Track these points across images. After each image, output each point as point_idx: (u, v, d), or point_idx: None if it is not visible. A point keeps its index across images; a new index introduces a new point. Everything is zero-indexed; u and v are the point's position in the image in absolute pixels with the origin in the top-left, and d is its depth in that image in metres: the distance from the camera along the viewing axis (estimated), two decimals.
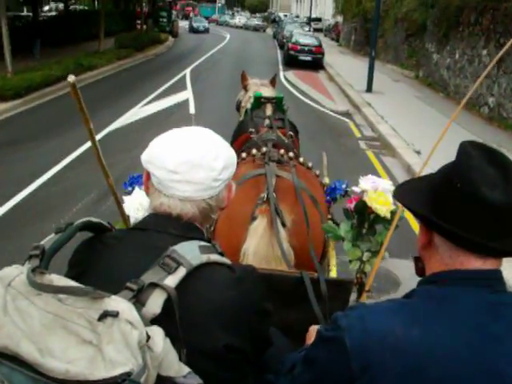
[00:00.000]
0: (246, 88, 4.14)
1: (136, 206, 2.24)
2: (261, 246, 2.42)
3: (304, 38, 25.11)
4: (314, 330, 1.63)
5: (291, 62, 24.08)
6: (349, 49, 35.18)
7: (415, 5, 25.51)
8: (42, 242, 1.21)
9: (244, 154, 3.01)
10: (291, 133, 3.56)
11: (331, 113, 14.22)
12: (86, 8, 36.60)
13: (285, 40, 31.64)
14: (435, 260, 1.25)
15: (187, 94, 14.64)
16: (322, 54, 24.10)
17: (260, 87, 4.00)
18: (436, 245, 1.24)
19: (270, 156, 2.84)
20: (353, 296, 2.36)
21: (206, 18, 74.19)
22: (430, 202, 1.23)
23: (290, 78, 19.97)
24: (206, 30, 46.67)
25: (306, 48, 23.94)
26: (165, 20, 40.66)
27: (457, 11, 16.14)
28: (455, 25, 16.28)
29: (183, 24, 59.61)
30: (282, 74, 21.16)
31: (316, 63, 23.98)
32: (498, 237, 1.15)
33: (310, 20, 44.23)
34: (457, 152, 1.22)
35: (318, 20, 53.31)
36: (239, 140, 3.54)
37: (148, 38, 29.27)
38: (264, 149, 2.96)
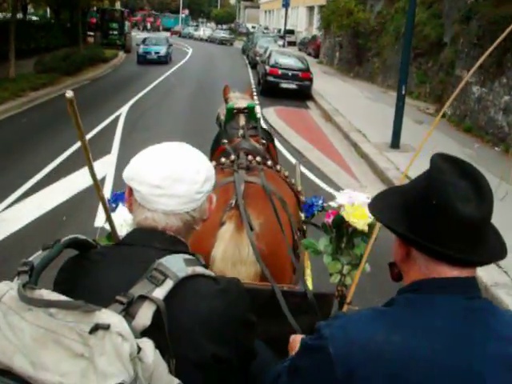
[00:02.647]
0: (226, 101, 4.08)
1: (120, 222, 2.21)
2: (227, 250, 2.43)
3: (286, 58, 19.03)
4: (295, 339, 1.70)
5: (270, 91, 18.27)
6: (333, 67, 29.67)
7: (425, 16, 20.15)
8: (30, 259, 1.22)
9: (213, 163, 2.79)
10: (263, 141, 3.55)
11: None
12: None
13: (258, 58, 25.85)
14: (413, 270, 1.28)
15: (105, 168, 8.44)
16: (311, 80, 18.21)
17: (239, 100, 3.96)
18: (414, 257, 1.28)
19: (238, 164, 2.90)
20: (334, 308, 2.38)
21: (168, 30, 69.36)
22: (405, 219, 1.26)
23: (272, 120, 14.01)
24: (164, 58, 28.35)
25: (290, 73, 17.96)
26: (116, 33, 34.74)
27: None
28: None
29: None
30: (257, 109, 15.33)
31: (302, 92, 18.16)
32: (474, 249, 1.20)
33: (285, 33, 38.35)
34: (429, 167, 1.26)
35: (291, 32, 47.89)
36: (216, 153, 3.52)
37: (86, 55, 23.11)
38: (232, 157, 3.00)
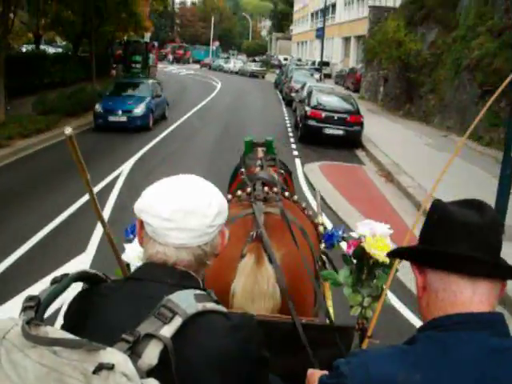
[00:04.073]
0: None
1: (137, 253, 2.19)
2: (247, 284, 2.41)
3: (330, 98, 15.70)
4: (312, 375, 1.69)
5: (311, 137, 14.96)
6: (377, 104, 26.42)
7: (494, 46, 16.84)
8: (37, 293, 1.19)
9: (229, 196, 3.01)
10: (281, 170, 3.58)
11: None
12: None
13: (294, 95, 22.73)
14: (432, 303, 1.26)
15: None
16: (361, 125, 14.87)
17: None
18: (430, 283, 1.26)
19: (255, 195, 2.87)
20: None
21: (198, 62, 67.38)
22: (417, 245, 1.31)
23: (316, 181, 10.68)
24: (141, 121, 16.11)
25: (336, 116, 14.63)
26: (139, 66, 32.21)
27: None
28: None
29: (171, 69, 51.93)
30: (297, 164, 12.09)
31: (351, 140, 14.84)
32: (481, 252, 1.18)
33: (321, 66, 35.20)
34: (431, 205, 1.29)
35: (326, 64, 44.97)
36: (234, 183, 3.58)
37: (97, 92, 20.31)
38: (248, 189, 2.98)
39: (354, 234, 2.45)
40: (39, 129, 14.03)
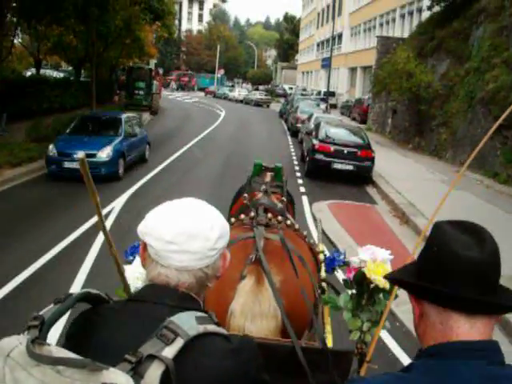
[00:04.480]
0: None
1: (136, 274, 2.25)
2: (247, 303, 2.44)
3: (339, 130, 14.83)
4: None
5: (319, 172, 14.08)
6: (385, 136, 25.64)
7: (510, 79, 16.05)
8: (41, 313, 1.21)
9: (233, 220, 3.04)
10: (284, 198, 3.57)
11: None
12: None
13: (300, 125, 21.97)
14: (429, 332, 1.26)
15: None
16: (372, 160, 13.94)
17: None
18: (427, 314, 1.26)
19: (257, 220, 2.91)
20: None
21: (203, 89, 67.09)
22: (414, 273, 1.28)
23: (325, 222, 9.80)
24: (107, 169, 12.33)
25: (346, 150, 13.74)
26: (142, 92, 31.60)
27: None
28: None
29: (176, 96, 51.47)
30: (304, 202, 11.15)
31: (361, 175, 13.96)
32: (483, 293, 1.17)
33: (327, 96, 34.46)
34: (431, 230, 1.28)
35: (331, 95, 44.48)
36: (236, 205, 3.60)
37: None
38: (252, 213, 3.01)
39: (354, 259, 2.47)
40: (31, 157, 13.20)
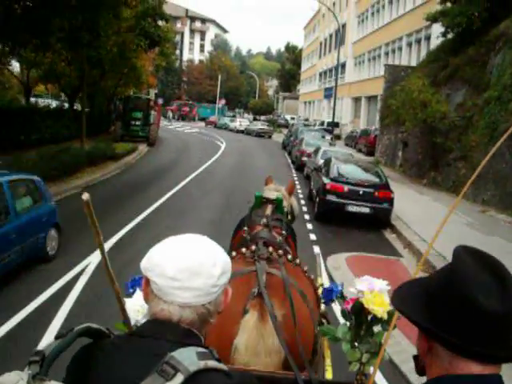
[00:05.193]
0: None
1: (137, 308, 2.22)
2: (251, 339, 2.45)
3: (352, 167, 13.16)
4: None
5: (330, 215, 12.41)
6: (395, 170, 24.06)
7: None
8: (42, 348, 1.23)
9: (234, 253, 3.04)
10: (284, 232, 3.54)
11: None
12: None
13: (306, 159, 20.43)
14: (436, 365, 1.24)
15: None
16: (391, 201, 12.26)
17: (272, 191, 4.10)
18: (436, 351, 1.23)
19: (258, 254, 2.92)
20: None
21: (203, 119, 65.96)
22: (427, 310, 1.22)
23: (347, 284, 8.13)
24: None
25: (361, 190, 12.08)
26: (139, 123, 30.21)
27: None
28: None
29: (176, 126, 50.21)
30: (316, 253, 9.43)
31: (379, 219, 12.29)
32: (500, 344, 1.14)
33: (332, 127, 32.99)
34: (452, 258, 1.23)
35: (335, 125, 43.18)
36: (237, 237, 3.63)
37: (85, 154, 17.96)
38: (253, 247, 3.02)
39: (352, 290, 2.43)
40: None
